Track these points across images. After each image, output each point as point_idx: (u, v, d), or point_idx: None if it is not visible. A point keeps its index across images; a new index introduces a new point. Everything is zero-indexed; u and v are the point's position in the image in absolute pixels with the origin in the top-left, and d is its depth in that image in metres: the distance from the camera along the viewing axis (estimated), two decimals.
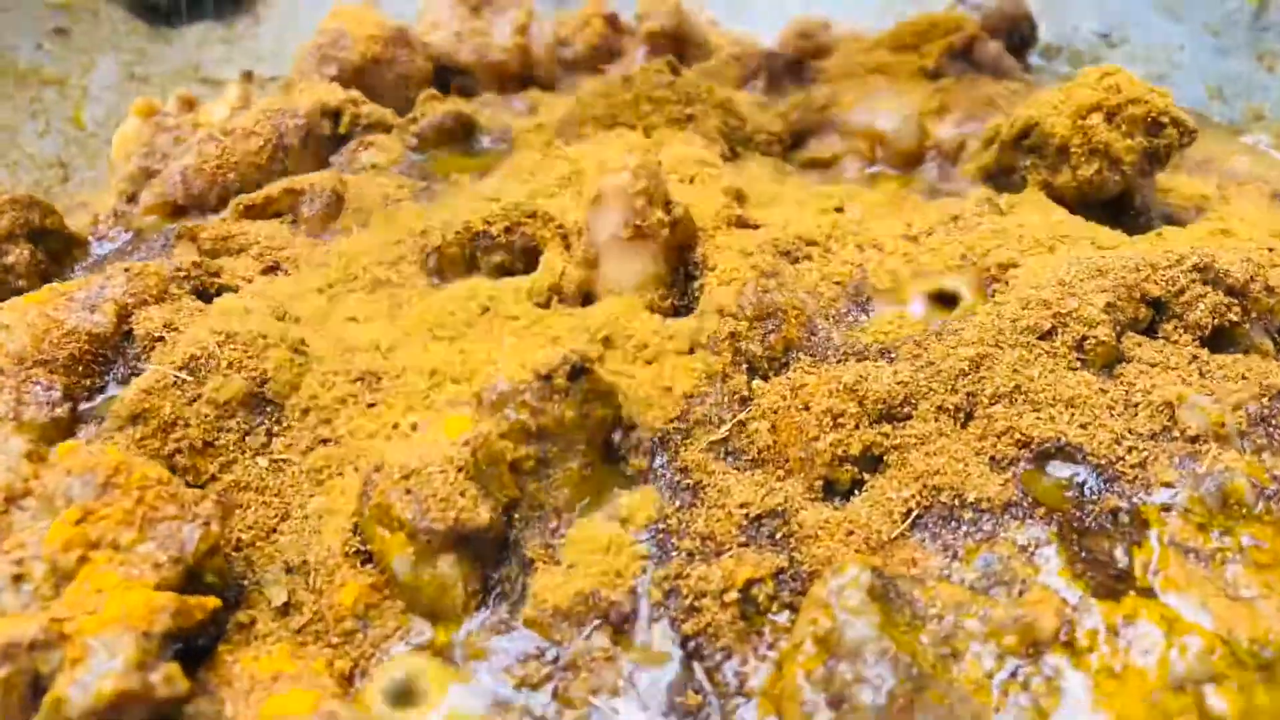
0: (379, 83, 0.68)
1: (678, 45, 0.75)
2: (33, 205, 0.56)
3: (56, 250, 0.57)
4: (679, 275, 0.47)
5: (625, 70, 0.75)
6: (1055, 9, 0.79)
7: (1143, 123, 0.50)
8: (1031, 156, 0.53)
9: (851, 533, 0.37)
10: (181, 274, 0.51)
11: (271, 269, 0.53)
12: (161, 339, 0.46)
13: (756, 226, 0.51)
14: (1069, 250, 0.47)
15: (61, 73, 0.71)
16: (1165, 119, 0.51)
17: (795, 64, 0.73)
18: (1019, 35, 0.76)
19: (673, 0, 0.75)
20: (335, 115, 0.64)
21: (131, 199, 0.63)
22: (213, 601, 0.34)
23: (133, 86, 0.75)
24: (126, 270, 0.49)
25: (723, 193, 0.51)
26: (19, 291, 0.54)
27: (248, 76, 0.80)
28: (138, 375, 0.46)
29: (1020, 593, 0.35)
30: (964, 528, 0.37)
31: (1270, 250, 0.49)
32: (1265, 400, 0.40)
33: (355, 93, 0.65)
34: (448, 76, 0.72)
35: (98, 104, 0.73)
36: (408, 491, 0.36)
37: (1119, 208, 0.52)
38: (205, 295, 0.51)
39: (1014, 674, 0.33)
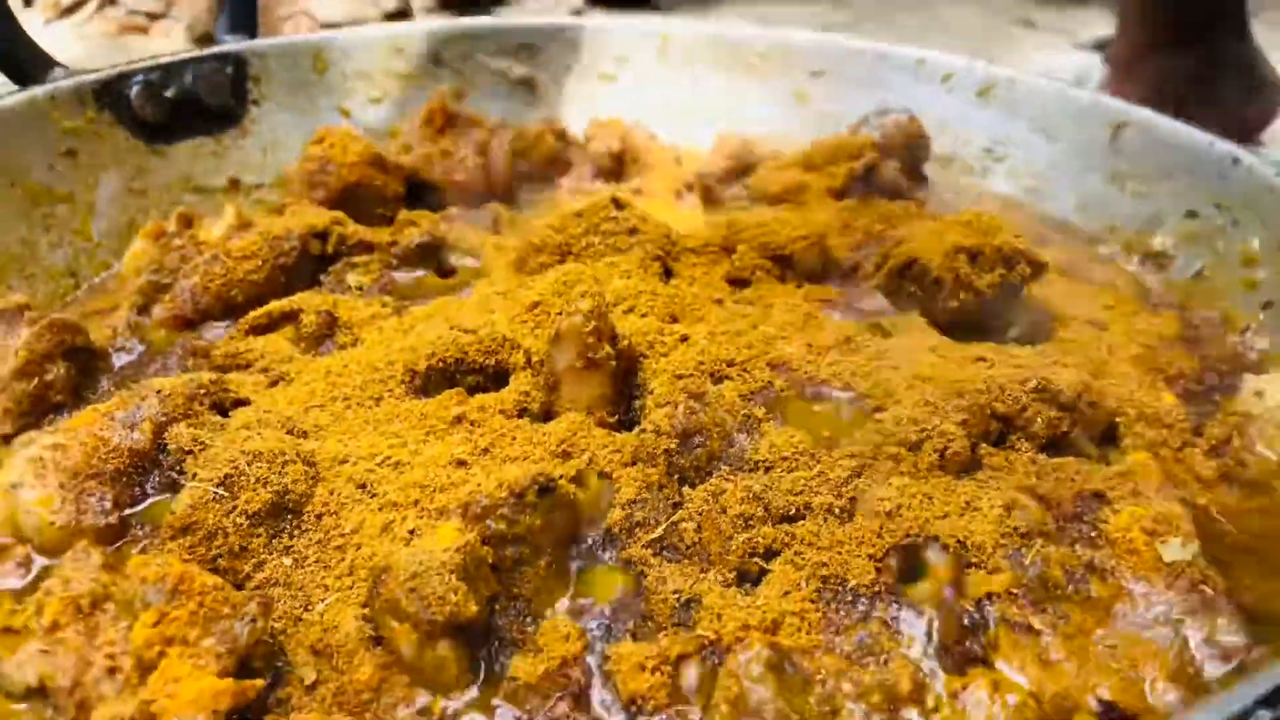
0: (359, 202, 0.78)
1: (620, 163, 0.86)
2: (66, 327, 0.65)
3: (84, 364, 0.66)
4: (623, 395, 0.58)
5: (574, 184, 0.86)
6: (948, 126, 0.91)
7: (999, 261, 0.62)
8: (913, 285, 0.65)
9: (760, 615, 0.47)
10: (202, 391, 0.60)
11: (276, 381, 0.63)
12: (191, 452, 0.56)
13: (686, 338, 0.62)
14: (941, 365, 0.59)
15: (70, 189, 0.80)
16: (1018, 257, 0.62)
17: (722, 179, 0.84)
18: (915, 151, 0.88)
19: (616, 125, 0.86)
20: (323, 235, 0.73)
21: (142, 310, 0.72)
22: (260, 683, 0.44)
23: (132, 199, 0.84)
24: (158, 393, 0.58)
25: (658, 319, 0.62)
26: (58, 405, 0.63)
27: (234, 184, 0.89)
28: (172, 484, 0.56)
29: (885, 662, 0.46)
30: (844, 609, 0.48)
31: (1103, 364, 0.62)
32: (1080, 500, 0.52)
33: (339, 214, 0.75)
34: (419, 191, 0.82)
35: (102, 217, 0.82)
36: (412, 590, 0.46)
37: (984, 327, 0.64)
38: (221, 408, 0.61)
39: None
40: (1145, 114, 0.80)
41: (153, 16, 3.34)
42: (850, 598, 0.48)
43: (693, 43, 0.99)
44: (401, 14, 3.24)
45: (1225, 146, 0.73)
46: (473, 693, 0.46)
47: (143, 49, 3.05)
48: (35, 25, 3.08)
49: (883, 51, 0.94)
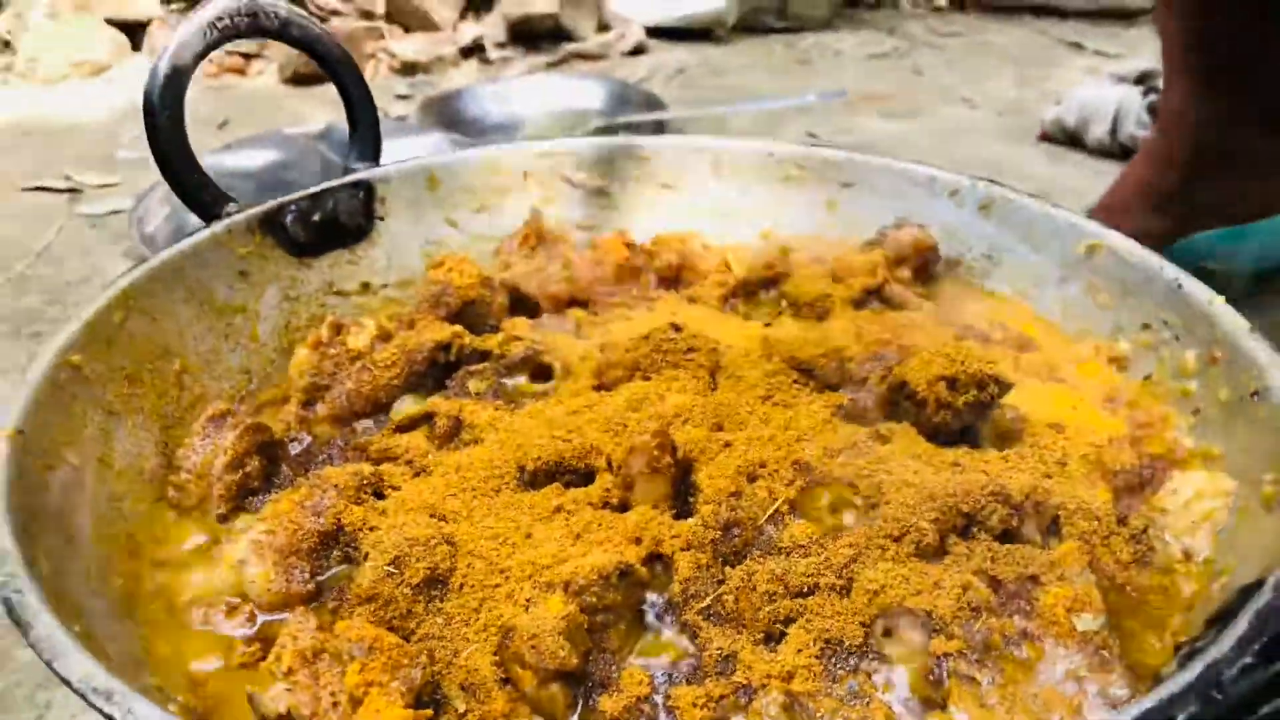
0: (474, 316, 0.97)
1: (679, 270, 1.05)
2: (258, 429, 0.85)
3: (271, 456, 0.86)
4: (682, 492, 0.76)
5: (642, 290, 1.05)
6: (956, 233, 1.08)
7: (973, 384, 0.80)
8: (905, 402, 0.82)
9: (779, 667, 0.66)
10: (365, 483, 0.80)
11: (419, 473, 0.83)
12: (361, 531, 0.76)
13: (729, 444, 0.80)
14: (923, 471, 0.76)
15: (244, 303, 1.00)
16: (988, 381, 0.80)
17: (762, 287, 1.02)
18: (926, 258, 1.06)
19: (676, 239, 1.05)
20: (447, 347, 0.93)
21: (306, 405, 0.93)
22: (429, 713, 0.63)
23: (288, 305, 1.04)
24: (336, 487, 0.78)
25: (706, 428, 0.81)
26: (254, 490, 0.83)
27: (365, 286, 1.10)
28: (348, 556, 0.75)
29: (868, 704, 0.64)
30: (840, 664, 0.66)
31: (1057, 468, 0.79)
32: (1020, 582, 0.69)
33: (458, 327, 0.95)
34: (517, 301, 1.02)
35: (266, 322, 1.02)
36: (532, 646, 0.65)
37: (963, 435, 0.82)
38: (379, 494, 0.81)
39: None
40: (1113, 236, 0.97)
41: (248, 57, 3.59)
42: (845, 655, 0.66)
43: (741, 157, 1.17)
44: (476, 49, 3.46)
45: (1172, 272, 0.90)
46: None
47: (242, 89, 3.30)
48: (140, 68, 3.34)
49: (901, 168, 1.12)
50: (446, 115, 2.70)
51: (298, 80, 3.15)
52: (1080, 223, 1.00)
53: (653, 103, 2.74)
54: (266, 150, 2.45)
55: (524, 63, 3.35)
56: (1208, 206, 1.60)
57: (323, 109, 2.85)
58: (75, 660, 0.56)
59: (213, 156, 2.32)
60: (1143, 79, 2.81)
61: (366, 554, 0.73)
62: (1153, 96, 2.74)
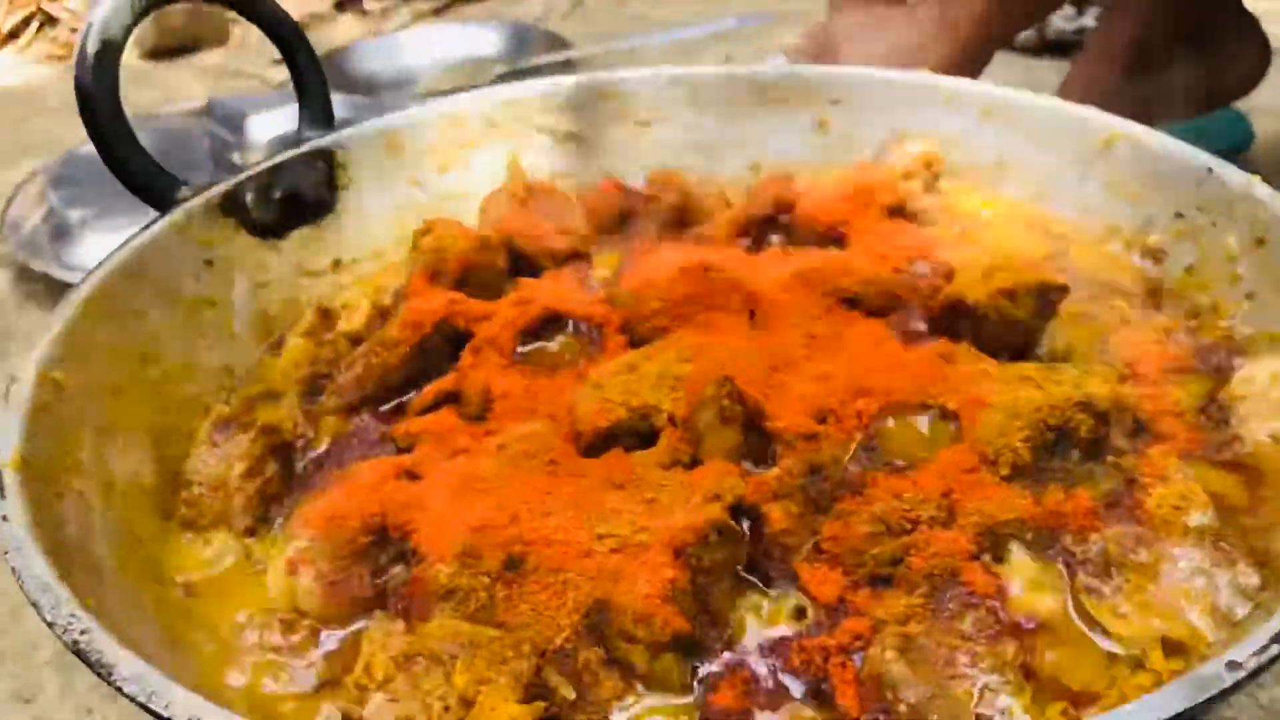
0: (475, 281, 0.95)
1: (681, 213, 1.04)
2: (269, 430, 0.82)
3: (286, 457, 0.83)
4: (754, 440, 0.76)
5: (642, 235, 1.04)
6: (959, 142, 1.10)
7: (1034, 293, 0.82)
8: (962, 320, 0.84)
9: (890, 610, 0.67)
10: (404, 473, 0.78)
11: (456, 454, 0.81)
12: (412, 524, 0.74)
13: (786, 385, 0.81)
14: (997, 388, 0.78)
15: (213, 294, 0.97)
16: (1046, 289, 0.82)
17: (769, 221, 1.03)
18: (932, 170, 1.07)
19: (676, 180, 1.04)
20: (454, 316, 0.91)
21: (308, 397, 0.90)
22: (542, 705, 0.62)
23: (259, 291, 1.01)
24: (373, 482, 0.76)
25: (760, 370, 0.81)
26: (275, 496, 0.81)
27: (336, 263, 1.07)
28: (403, 555, 0.74)
29: (992, 636, 0.65)
30: (954, 598, 0.67)
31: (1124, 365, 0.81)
32: (1121, 490, 0.71)
33: (461, 295, 0.93)
34: (514, 260, 1.00)
35: (240, 313, 0.99)
36: (639, 618, 0.64)
37: (1025, 349, 0.84)
38: (414, 476, 0.79)
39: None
40: (1132, 127, 0.99)
41: None
42: (958, 589, 0.68)
43: (718, 84, 1.17)
44: (351, 2, 3.36)
45: (1202, 158, 0.93)
46: (691, 696, 0.65)
47: None
48: None
49: (891, 78, 1.13)
50: (335, 76, 2.61)
51: (159, 54, 3.01)
52: (1093, 115, 1.02)
53: (556, 43, 2.70)
54: (142, 138, 2.36)
55: (407, 10, 3.27)
56: (1155, 100, 1.66)
57: (196, 83, 2.74)
58: (176, 693, 0.54)
59: (87, 149, 2.21)
60: None
61: (427, 548, 0.72)
62: None
